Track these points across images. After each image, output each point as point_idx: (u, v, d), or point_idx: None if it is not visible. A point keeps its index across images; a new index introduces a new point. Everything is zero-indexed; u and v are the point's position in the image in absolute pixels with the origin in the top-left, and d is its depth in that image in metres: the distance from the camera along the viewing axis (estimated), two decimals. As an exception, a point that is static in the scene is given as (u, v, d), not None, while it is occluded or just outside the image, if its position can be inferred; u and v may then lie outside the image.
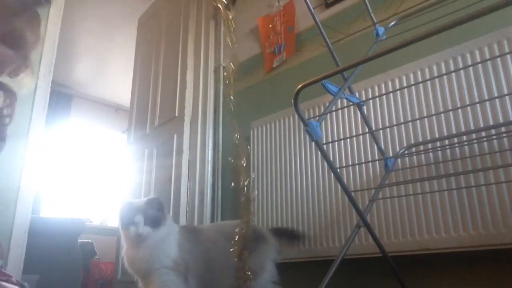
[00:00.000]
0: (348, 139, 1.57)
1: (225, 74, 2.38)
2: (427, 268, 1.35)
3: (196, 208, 2.24)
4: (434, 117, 1.34)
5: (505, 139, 1.18)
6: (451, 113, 1.31)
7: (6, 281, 1.02)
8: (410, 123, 1.40)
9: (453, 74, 1.33)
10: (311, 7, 1.15)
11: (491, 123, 1.22)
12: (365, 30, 1.58)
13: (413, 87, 1.42)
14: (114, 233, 3.17)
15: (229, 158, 2.20)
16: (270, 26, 2.23)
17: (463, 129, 1.28)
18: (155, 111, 2.73)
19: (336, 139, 1.61)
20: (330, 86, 1.01)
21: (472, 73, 1.30)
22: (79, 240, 3.05)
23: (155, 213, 1.30)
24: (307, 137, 1.71)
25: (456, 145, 1.28)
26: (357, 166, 1.51)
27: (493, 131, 1.21)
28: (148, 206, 1.31)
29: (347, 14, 1.86)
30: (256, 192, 1.81)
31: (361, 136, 1.53)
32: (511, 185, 1.15)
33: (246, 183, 1.36)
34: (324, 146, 1.60)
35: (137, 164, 2.71)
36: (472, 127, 1.26)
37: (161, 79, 2.78)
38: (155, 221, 1.28)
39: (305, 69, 2.00)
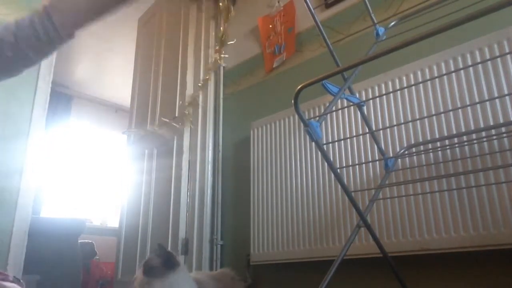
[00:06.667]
0: (348, 139, 1.57)
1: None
2: (427, 268, 1.35)
3: (196, 209, 2.24)
4: (434, 117, 1.34)
5: (505, 139, 1.18)
6: (451, 113, 1.31)
7: (3, 279, 1.02)
8: (410, 123, 1.40)
9: (453, 74, 1.33)
10: (311, 7, 1.15)
11: (491, 123, 1.22)
12: (365, 30, 1.58)
13: (413, 87, 1.42)
14: (114, 233, 3.17)
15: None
16: (270, 26, 2.23)
17: (463, 129, 1.28)
18: (155, 111, 2.73)
19: (336, 139, 1.61)
20: (330, 86, 1.01)
21: (472, 73, 1.29)
22: (79, 241, 3.06)
23: (155, 263, 1.26)
24: (307, 137, 1.71)
25: (456, 145, 1.28)
26: (357, 166, 1.51)
27: (493, 131, 1.21)
28: (153, 257, 1.28)
29: (347, 14, 1.86)
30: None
31: (361, 136, 1.53)
32: (511, 185, 1.15)
33: None
34: (324, 146, 1.60)
35: (137, 164, 2.71)
36: (472, 127, 1.25)
37: (161, 79, 2.78)
38: (151, 271, 1.24)
39: (305, 69, 2.00)
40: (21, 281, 1.09)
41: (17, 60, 0.94)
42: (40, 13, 0.93)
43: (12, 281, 1.03)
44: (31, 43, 0.92)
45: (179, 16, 2.74)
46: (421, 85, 1.40)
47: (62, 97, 4.82)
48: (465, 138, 1.26)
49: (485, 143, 1.23)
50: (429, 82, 1.38)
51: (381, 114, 1.50)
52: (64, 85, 4.85)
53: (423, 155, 1.35)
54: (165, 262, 1.27)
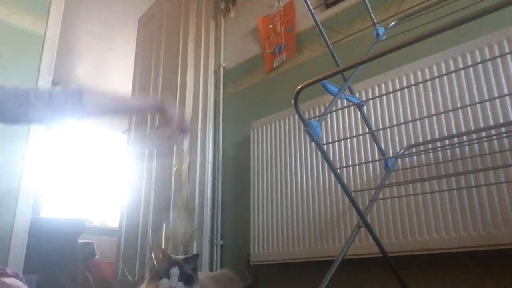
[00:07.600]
0: (348, 139, 1.57)
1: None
2: (427, 268, 1.35)
3: (196, 209, 2.24)
4: (434, 117, 1.34)
5: (505, 139, 1.18)
6: (451, 113, 1.31)
7: (1, 274, 1.03)
8: (410, 123, 1.40)
9: (453, 74, 1.33)
10: (311, 7, 1.15)
11: (491, 123, 1.22)
12: (365, 30, 1.58)
13: (413, 87, 1.42)
14: (114, 233, 3.17)
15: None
16: (270, 26, 2.23)
17: (463, 129, 1.28)
18: (155, 111, 2.72)
19: (336, 139, 1.61)
20: (330, 87, 1.01)
21: (472, 73, 1.30)
22: (79, 241, 3.06)
23: (191, 271, 1.26)
24: (307, 137, 1.71)
25: (456, 145, 1.28)
26: (357, 166, 1.51)
27: (493, 131, 1.21)
28: (186, 262, 1.28)
29: (347, 14, 1.86)
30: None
31: (361, 136, 1.53)
32: (511, 185, 1.14)
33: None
34: (324, 146, 1.60)
35: (137, 164, 2.71)
36: (472, 127, 1.25)
37: (161, 79, 2.78)
38: (189, 279, 1.24)
39: (305, 69, 2.00)
40: (20, 275, 1.10)
41: (32, 118, 1.04)
42: (73, 90, 1.07)
43: (11, 276, 1.04)
44: (53, 109, 1.04)
45: (179, 16, 2.74)
46: (421, 85, 1.40)
47: (62, 97, 4.81)
48: (465, 138, 1.26)
49: (485, 143, 1.23)
50: (429, 82, 1.38)
51: (381, 114, 1.50)
52: (64, 85, 4.85)
53: (423, 155, 1.35)
54: (193, 272, 1.28)
